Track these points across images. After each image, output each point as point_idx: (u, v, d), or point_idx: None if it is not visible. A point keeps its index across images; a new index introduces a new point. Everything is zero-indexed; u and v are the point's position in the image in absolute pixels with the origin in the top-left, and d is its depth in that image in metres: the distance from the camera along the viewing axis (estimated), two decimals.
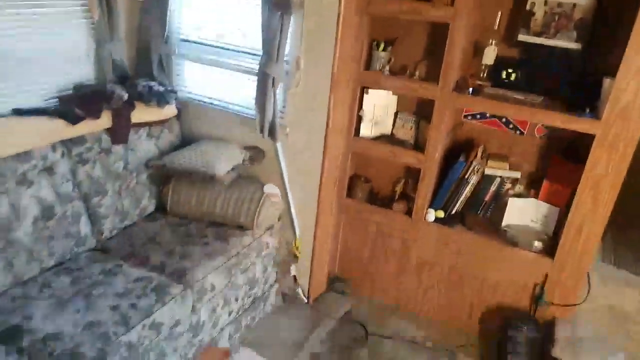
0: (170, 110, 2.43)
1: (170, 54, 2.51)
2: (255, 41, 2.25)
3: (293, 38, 2.14)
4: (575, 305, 2.23)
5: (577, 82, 2.11)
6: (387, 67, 2.33)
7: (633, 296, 2.20)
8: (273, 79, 2.15)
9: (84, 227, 2.03)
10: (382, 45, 2.32)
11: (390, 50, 2.33)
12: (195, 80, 2.58)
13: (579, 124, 1.98)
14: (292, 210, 2.47)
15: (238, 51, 2.40)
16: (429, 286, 2.55)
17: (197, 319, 1.95)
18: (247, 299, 2.30)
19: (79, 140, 2.04)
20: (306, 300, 2.62)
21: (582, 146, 2.04)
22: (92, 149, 2.08)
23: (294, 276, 2.57)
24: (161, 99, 2.33)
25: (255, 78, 2.20)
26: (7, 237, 1.75)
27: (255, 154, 2.43)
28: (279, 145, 2.37)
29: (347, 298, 2.68)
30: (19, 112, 1.92)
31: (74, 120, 1.98)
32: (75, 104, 2.02)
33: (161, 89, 2.36)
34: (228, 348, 2.19)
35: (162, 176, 2.36)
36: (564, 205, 2.22)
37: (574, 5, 2.05)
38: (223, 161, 2.27)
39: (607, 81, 1.93)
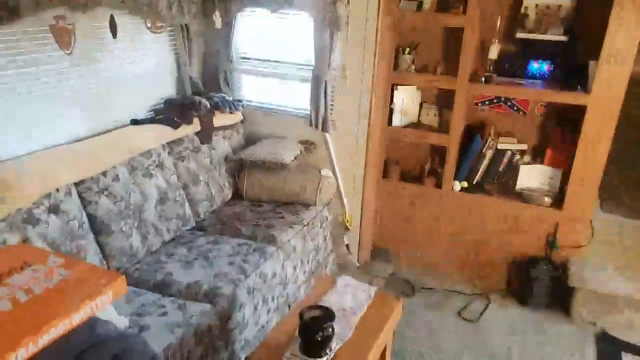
0: (238, 116, 2.97)
1: (233, 70, 3.05)
2: (302, 53, 2.80)
3: (340, 48, 2.67)
4: (582, 246, 2.74)
5: (567, 66, 2.65)
6: (412, 67, 2.88)
7: (626, 235, 2.72)
8: (325, 83, 2.69)
9: (187, 209, 2.54)
10: (407, 50, 2.86)
11: (414, 53, 2.88)
12: (254, 90, 3.13)
13: (573, 98, 2.53)
14: (342, 189, 2.99)
15: (289, 63, 2.95)
16: (460, 247, 3.06)
17: (285, 274, 2.45)
18: (314, 263, 2.81)
19: (178, 141, 2.56)
20: (357, 265, 3.12)
21: (576, 119, 2.57)
22: (188, 148, 2.60)
23: (347, 245, 3.08)
24: (232, 107, 2.86)
25: (302, 84, 2.75)
26: (140, 217, 2.26)
27: (309, 145, 2.96)
28: (328, 137, 2.90)
29: (390, 263, 3.19)
30: (136, 122, 2.44)
31: (175, 126, 2.50)
32: (174, 113, 2.55)
33: (230, 99, 2.90)
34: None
35: (237, 168, 2.88)
36: (565, 167, 2.75)
37: (559, 6, 2.61)
38: (286, 152, 2.80)
39: (592, 63, 2.47)
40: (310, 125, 2.84)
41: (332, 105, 2.86)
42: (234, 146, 2.95)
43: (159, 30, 2.68)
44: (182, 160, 2.56)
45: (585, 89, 2.50)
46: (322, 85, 2.69)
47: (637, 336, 2.51)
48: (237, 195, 2.91)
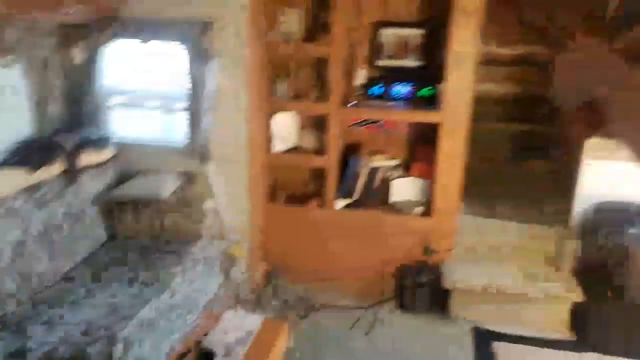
0: (108, 153, 2.79)
1: (102, 104, 2.88)
2: (176, 84, 2.75)
3: (213, 78, 2.67)
4: (452, 249, 3.02)
5: (422, 89, 2.94)
6: (287, 95, 2.98)
7: (487, 234, 3.05)
8: (200, 113, 2.66)
9: (48, 262, 2.31)
10: (280, 78, 2.96)
11: (287, 81, 2.98)
12: (126, 123, 2.97)
13: (429, 117, 2.81)
14: (227, 220, 2.95)
15: (163, 94, 2.87)
16: (347, 261, 3.18)
17: (170, 318, 2.32)
18: (204, 300, 2.70)
19: (37, 186, 2.33)
20: (249, 296, 3.08)
21: (435, 135, 2.85)
22: (49, 192, 2.38)
23: (237, 277, 3.02)
24: (99, 144, 2.69)
25: (177, 115, 2.70)
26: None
27: (189, 177, 2.88)
28: (209, 167, 2.86)
29: (283, 288, 3.19)
30: None
31: (32, 168, 2.28)
32: (32, 154, 2.32)
33: (98, 135, 2.72)
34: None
35: (110, 208, 2.69)
36: (432, 178, 3.02)
37: (411, 35, 2.91)
38: (163, 186, 2.69)
39: (441, 85, 2.77)
40: (188, 156, 2.78)
41: (211, 135, 2.83)
42: (105, 185, 2.76)
43: (8, 64, 2.44)
44: (42, 207, 2.33)
45: (438, 108, 2.79)
46: (198, 115, 2.66)
47: (503, 324, 2.81)
48: (111, 237, 2.72)
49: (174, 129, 2.91)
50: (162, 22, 2.55)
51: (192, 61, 2.54)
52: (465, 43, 2.60)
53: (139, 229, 2.67)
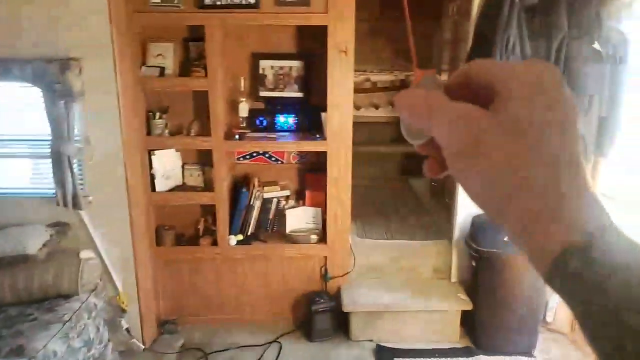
0: None
1: None
2: (35, 127, 2.50)
3: (80, 119, 2.47)
4: (348, 273, 3.06)
5: (307, 118, 2.99)
6: (166, 131, 2.85)
7: (379, 254, 3.14)
8: (68, 157, 2.44)
9: None
10: (157, 114, 2.82)
11: (165, 117, 2.86)
12: None
13: (315, 146, 2.85)
14: (110, 268, 2.72)
15: (20, 139, 2.59)
16: (246, 298, 3.08)
17: None
18: None
19: None
20: (142, 348, 2.85)
21: (324, 162, 2.90)
22: None
23: (127, 329, 2.78)
24: None
25: (41, 161, 2.46)
26: None
27: (61, 227, 2.62)
28: (84, 214, 2.62)
29: (180, 334, 3.00)
30: None
31: None
32: None
33: None
34: None
35: None
36: (323, 205, 3.05)
37: (291, 67, 2.95)
38: (31, 240, 2.42)
39: (323, 115, 2.83)
40: (59, 204, 2.53)
41: (82, 179, 2.61)
42: None
43: None
44: None
45: (323, 135, 2.84)
46: (64, 159, 2.44)
47: (402, 341, 2.89)
48: None
49: (43, 176, 2.63)
50: (11, 61, 2.31)
51: (52, 102, 2.33)
52: (342, 74, 2.69)
53: (2, 293, 2.35)
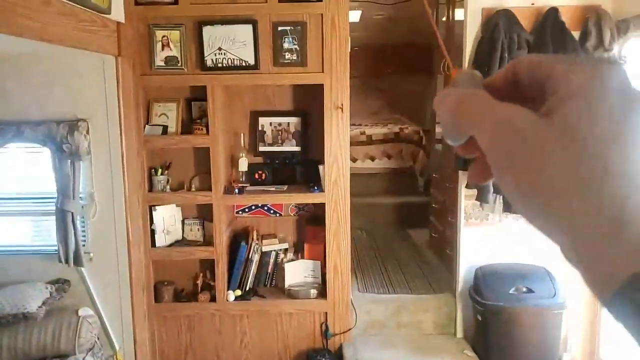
0: None
1: None
2: (46, 186, 2.57)
3: (85, 177, 2.54)
4: (350, 329, 3.02)
5: (304, 171, 3.06)
6: (168, 186, 2.91)
7: (380, 309, 3.11)
8: (72, 214, 2.48)
9: None
10: (159, 170, 2.89)
11: (167, 173, 2.93)
12: None
13: (313, 198, 2.90)
14: (108, 326, 2.69)
15: (24, 197, 2.65)
16: (245, 355, 3.02)
17: None
18: None
19: None
20: None
21: (322, 214, 2.94)
22: None
23: None
24: None
25: (44, 218, 2.50)
26: None
27: (62, 285, 2.62)
28: (84, 270, 2.63)
29: None
30: None
31: None
32: None
33: None
34: None
35: None
36: (322, 258, 3.06)
37: (289, 123, 3.06)
38: (31, 298, 2.41)
39: (321, 167, 2.90)
40: (60, 261, 2.54)
41: (85, 235, 2.63)
42: None
43: None
44: None
45: (321, 188, 2.90)
46: (68, 217, 2.48)
47: None
48: None
49: (45, 233, 2.67)
50: (24, 123, 2.41)
51: (60, 161, 2.40)
52: (339, 128, 2.79)
53: (1, 353, 2.33)
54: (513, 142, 0.27)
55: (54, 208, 2.51)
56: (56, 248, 2.54)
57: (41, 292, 2.49)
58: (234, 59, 2.71)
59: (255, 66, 2.72)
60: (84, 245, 2.61)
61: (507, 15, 2.72)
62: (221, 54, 2.69)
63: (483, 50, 2.73)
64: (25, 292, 2.46)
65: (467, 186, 2.88)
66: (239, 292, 3.00)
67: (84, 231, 2.63)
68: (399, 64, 5.40)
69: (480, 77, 0.32)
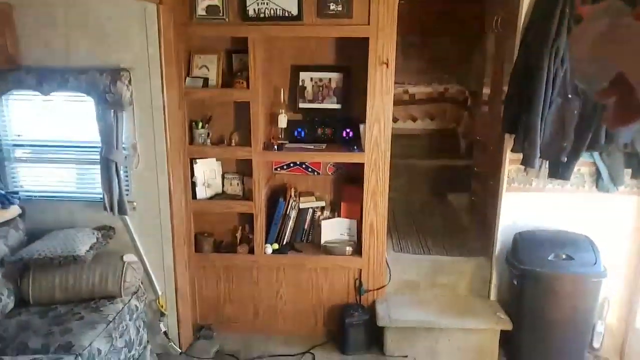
0: (14, 211, 2.59)
1: (4, 159, 2.68)
2: (87, 134, 2.63)
3: (128, 127, 2.58)
4: (384, 286, 3.03)
5: (345, 130, 3.01)
6: (208, 140, 2.93)
7: (415, 269, 3.10)
8: (116, 164, 2.54)
9: None
10: (200, 124, 2.91)
11: (208, 127, 2.94)
12: (34, 178, 2.78)
13: (353, 158, 2.86)
14: (151, 272, 2.80)
15: (74, 146, 2.73)
16: (281, 307, 3.10)
17: None
18: None
19: None
20: (179, 352, 2.91)
21: (360, 174, 2.90)
22: None
23: (165, 332, 2.85)
24: (5, 201, 2.49)
25: (91, 167, 2.57)
26: None
27: (107, 231, 2.72)
28: (128, 219, 2.72)
29: (215, 340, 3.05)
30: None
31: None
32: None
33: (2, 191, 2.52)
34: None
35: (19, 271, 2.47)
36: (359, 217, 3.05)
37: (330, 79, 2.98)
38: (80, 242, 2.52)
39: (362, 126, 2.85)
40: (105, 209, 2.64)
41: (128, 185, 2.71)
42: (11, 245, 2.54)
43: None
44: None
45: (360, 147, 2.85)
46: (112, 166, 2.54)
47: (438, 358, 2.83)
48: (21, 302, 2.48)
49: (89, 181, 2.77)
50: (68, 71, 2.45)
51: (103, 111, 2.44)
52: (383, 86, 2.70)
53: (53, 291, 2.47)
54: None
55: (98, 157, 2.57)
56: (101, 196, 2.63)
57: (89, 237, 2.60)
58: (276, 9, 2.63)
59: (299, 17, 2.63)
60: (127, 195, 2.69)
61: None
62: (263, 3, 2.62)
63: (541, 4, 2.54)
64: (75, 237, 2.58)
65: (512, 150, 2.76)
66: (276, 246, 3.05)
67: (127, 181, 2.70)
68: (447, 20, 5.14)
69: (622, 5, 0.29)
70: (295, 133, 3.01)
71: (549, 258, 2.65)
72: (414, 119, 4.47)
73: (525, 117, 2.56)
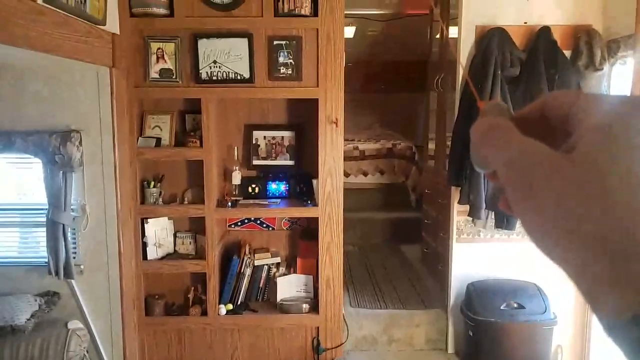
0: None
1: None
2: (36, 196, 2.54)
3: (77, 188, 2.52)
4: (342, 344, 2.99)
5: (298, 185, 3.06)
6: (160, 199, 2.89)
7: (372, 324, 3.10)
8: (63, 226, 2.46)
9: None
10: (152, 183, 2.88)
11: (160, 186, 2.91)
12: None
13: (307, 212, 2.90)
14: (98, 340, 2.65)
15: (15, 209, 2.62)
16: None
17: None
18: None
19: None
20: None
21: (315, 228, 2.93)
22: None
23: None
24: None
25: (33, 230, 2.47)
26: None
27: (51, 297, 2.58)
28: (74, 283, 2.60)
29: None
30: None
31: None
32: None
33: None
34: None
35: None
36: (315, 272, 3.04)
37: (283, 137, 3.06)
38: (19, 310, 2.37)
39: (315, 181, 2.91)
40: (50, 273, 2.51)
41: (75, 247, 2.61)
42: None
43: None
44: None
45: (314, 202, 2.90)
46: (59, 228, 2.45)
47: None
48: None
49: (33, 245, 2.65)
50: (14, 134, 2.39)
51: (52, 172, 2.38)
52: (333, 143, 2.80)
53: None
54: (529, 174, 0.27)
55: (43, 219, 2.48)
56: (45, 260, 2.51)
57: (30, 305, 2.46)
58: (229, 72, 2.72)
59: (250, 80, 2.73)
60: (74, 258, 2.58)
61: (500, 33, 2.77)
62: (216, 67, 2.70)
63: (477, 66, 2.77)
64: (13, 304, 2.42)
65: (459, 202, 2.89)
66: (230, 306, 2.97)
67: (74, 243, 2.60)
68: (392, 80, 5.46)
69: (507, 108, 0.33)
70: (249, 189, 3.03)
71: (501, 307, 2.72)
72: (365, 174, 4.60)
73: (469, 171, 2.71)
